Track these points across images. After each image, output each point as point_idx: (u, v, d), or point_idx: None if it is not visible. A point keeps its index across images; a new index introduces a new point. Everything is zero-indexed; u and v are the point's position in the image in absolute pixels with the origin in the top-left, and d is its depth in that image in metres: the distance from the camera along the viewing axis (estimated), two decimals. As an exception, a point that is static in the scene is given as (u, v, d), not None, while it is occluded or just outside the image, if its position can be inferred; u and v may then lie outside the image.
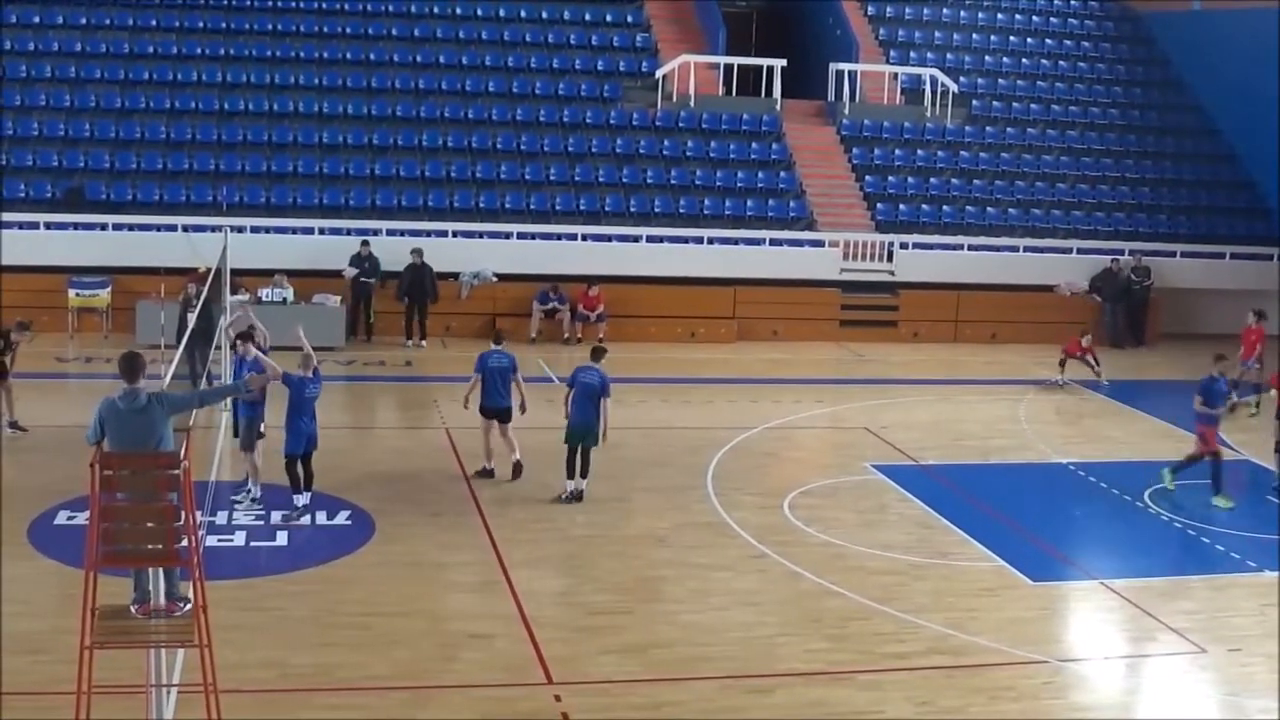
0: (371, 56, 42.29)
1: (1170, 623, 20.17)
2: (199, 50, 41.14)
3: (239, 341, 23.43)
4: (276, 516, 22.26)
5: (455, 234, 37.29)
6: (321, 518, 22.44)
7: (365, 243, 35.57)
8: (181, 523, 13.07)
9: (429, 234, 36.84)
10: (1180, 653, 19.28)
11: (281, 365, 22.48)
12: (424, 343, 35.60)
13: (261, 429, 23.21)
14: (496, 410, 24.99)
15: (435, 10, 44.42)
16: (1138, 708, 18.16)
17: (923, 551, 22.55)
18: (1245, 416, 30.91)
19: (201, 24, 42.04)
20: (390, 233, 36.57)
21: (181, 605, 13.79)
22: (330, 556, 20.83)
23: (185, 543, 13.18)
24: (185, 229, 35.18)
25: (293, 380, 22.25)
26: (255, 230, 35.50)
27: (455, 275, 36.53)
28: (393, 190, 38.46)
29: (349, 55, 42.14)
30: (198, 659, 13.31)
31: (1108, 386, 34.62)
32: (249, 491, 22.85)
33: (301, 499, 22.42)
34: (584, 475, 24.38)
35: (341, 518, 22.54)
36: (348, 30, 42.91)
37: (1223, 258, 42.36)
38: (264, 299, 33.28)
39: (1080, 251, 41.25)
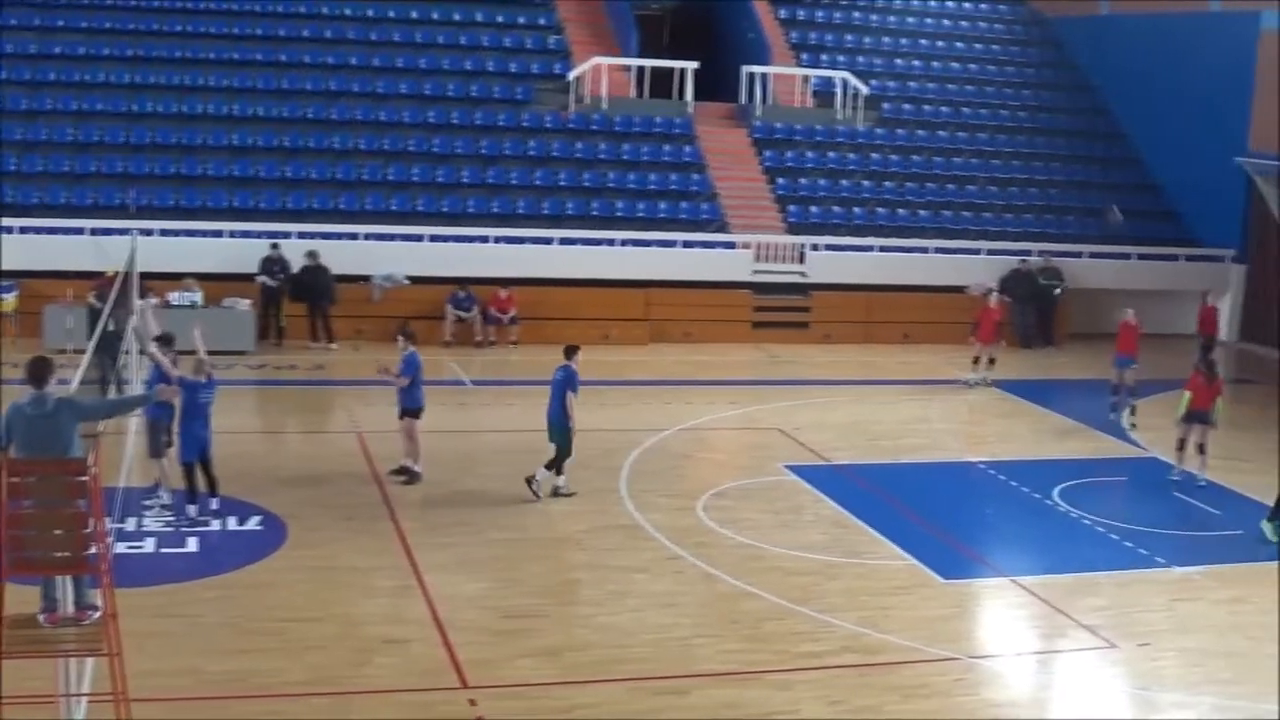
0: (283, 58, 41.97)
1: (1080, 619, 20.34)
2: (106, 51, 40.64)
3: (157, 345, 23.14)
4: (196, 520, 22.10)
5: (367, 236, 37.07)
6: (233, 523, 22.22)
7: (275, 245, 35.28)
8: (90, 530, 12.92)
9: (340, 236, 36.60)
10: (1091, 648, 19.47)
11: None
12: (334, 345, 35.34)
13: (167, 436, 22.94)
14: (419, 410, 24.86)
15: (347, 12, 44.12)
16: (1050, 703, 18.30)
17: (836, 551, 22.60)
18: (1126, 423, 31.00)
19: (109, 25, 41.51)
20: (301, 235, 36.26)
21: (91, 613, 13.63)
22: (243, 562, 20.65)
23: (94, 550, 13.02)
24: (93, 232, 34.78)
25: (186, 384, 22.00)
26: (164, 234, 35.09)
27: (367, 278, 36.27)
28: (304, 193, 38.21)
29: (260, 57, 41.79)
30: (108, 667, 13.16)
31: (985, 382, 35.06)
32: (159, 497, 22.62)
33: (213, 502, 22.23)
34: (556, 473, 24.57)
35: (253, 523, 22.32)
36: (259, 32, 42.58)
37: (1129, 258, 42.70)
38: (173, 303, 32.96)
39: (990, 253, 41.46)
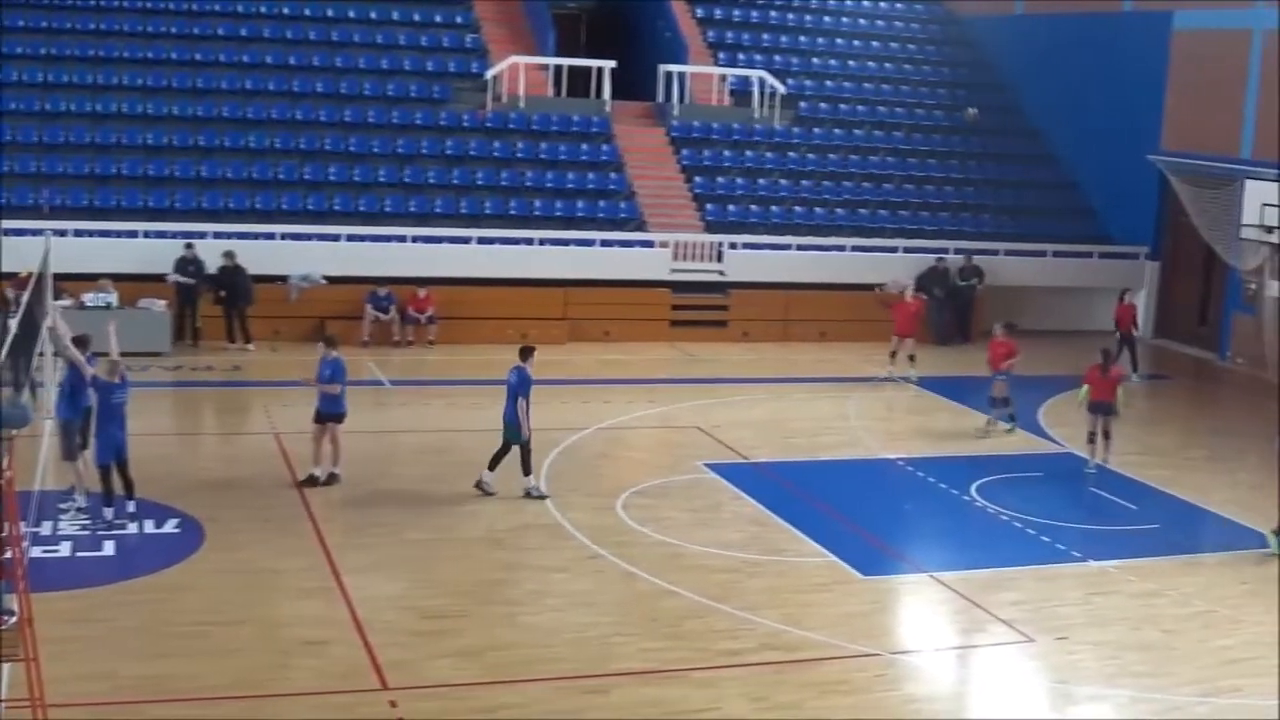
0: (198, 57, 41.62)
1: (998, 613, 20.50)
2: (19, 50, 40.20)
3: (73, 346, 22.93)
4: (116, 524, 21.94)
5: (283, 236, 36.81)
6: (150, 526, 22.05)
7: (190, 246, 34.97)
8: (4, 534, 12.82)
9: (256, 236, 36.35)
10: (1009, 643, 19.63)
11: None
12: (251, 346, 35.10)
13: (81, 438, 22.74)
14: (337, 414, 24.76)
15: (262, 10, 43.86)
16: (969, 697, 18.47)
17: (756, 549, 22.68)
18: (1002, 433, 31.19)
19: (21, 22, 41.05)
20: (217, 235, 35.96)
21: (7, 618, 13.52)
22: (160, 565, 20.51)
23: (8, 554, 12.92)
24: (5, 233, 34.38)
25: (100, 386, 21.86)
26: (78, 234, 34.74)
27: (283, 278, 36.04)
28: (219, 192, 37.92)
29: (174, 55, 41.43)
30: (25, 673, 13.06)
31: (910, 380, 35.33)
32: (74, 501, 22.44)
33: (130, 505, 22.07)
34: (525, 472, 24.57)
35: (170, 525, 22.16)
36: (173, 30, 42.22)
37: (1044, 255, 42.99)
38: (87, 304, 32.70)
39: (907, 251, 41.63)
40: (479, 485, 24.62)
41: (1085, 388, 28.49)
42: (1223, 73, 40.28)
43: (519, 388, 24.56)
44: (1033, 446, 30.19)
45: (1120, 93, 43.80)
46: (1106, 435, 28.44)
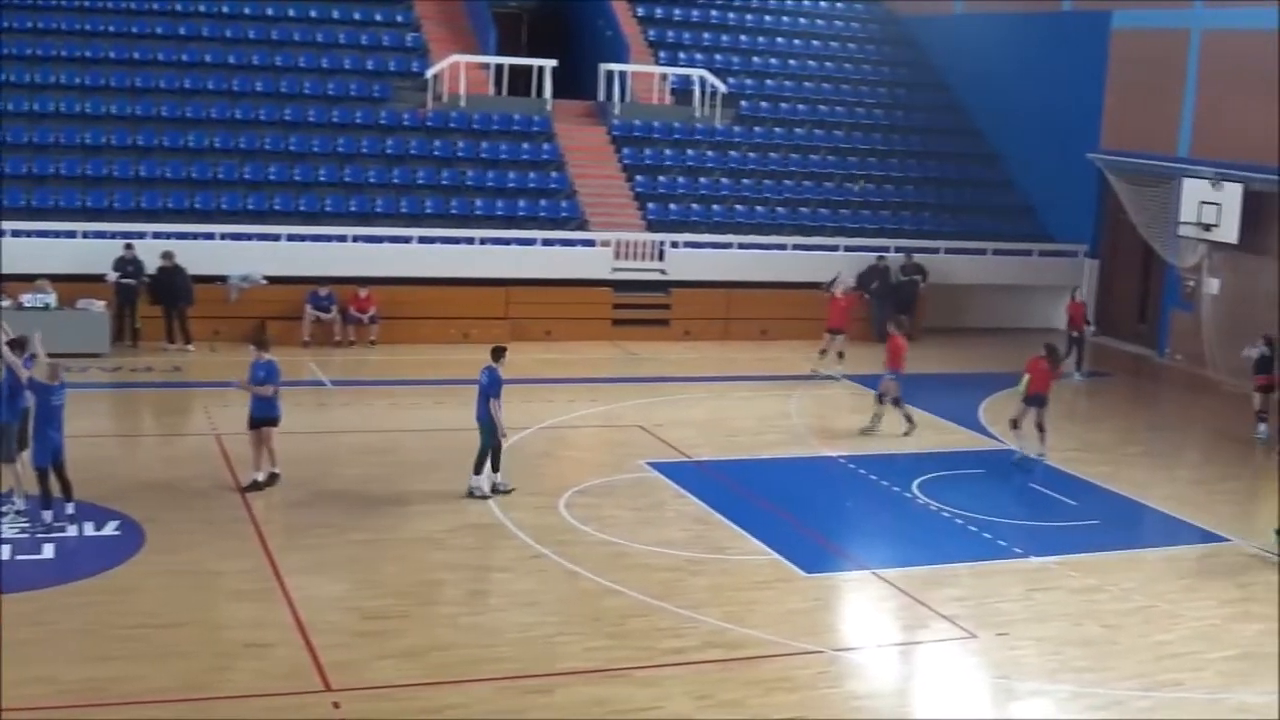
0: (136, 55, 41.37)
1: (940, 609, 20.61)
2: (-46, 50, 40.07)
3: (8, 348, 22.76)
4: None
5: (223, 236, 36.63)
6: (90, 528, 21.92)
7: (129, 246, 34.74)
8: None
9: (196, 236, 36.17)
10: (951, 638, 19.75)
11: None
12: (191, 346, 34.93)
13: (18, 440, 22.58)
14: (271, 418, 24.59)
15: (201, 9, 43.63)
16: (912, 694, 18.54)
17: (699, 547, 22.73)
18: (901, 434, 31.22)
19: (-45, 22, 40.92)
20: (156, 235, 35.75)
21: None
22: (101, 568, 20.39)
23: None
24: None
25: (37, 388, 21.73)
26: (16, 234, 34.51)
27: (223, 278, 35.89)
28: (158, 192, 37.69)
29: (113, 54, 41.16)
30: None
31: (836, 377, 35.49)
32: (13, 504, 22.29)
33: (68, 507, 21.93)
34: (493, 469, 24.74)
35: (110, 528, 22.02)
36: (111, 28, 41.96)
37: (984, 254, 43.19)
38: (26, 305, 32.52)
39: (847, 249, 41.75)
40: (471, 492, 24.64)
41: (1026, 377, 28.74)
42: (1161, 72, 40.53)
43: (489, 388, 24.66)
44: (973, 443, 30.38)
45: (1059, 92, 44.03)
46: (1041, 429, 28.77)
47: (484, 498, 24.52)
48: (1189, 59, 39.70)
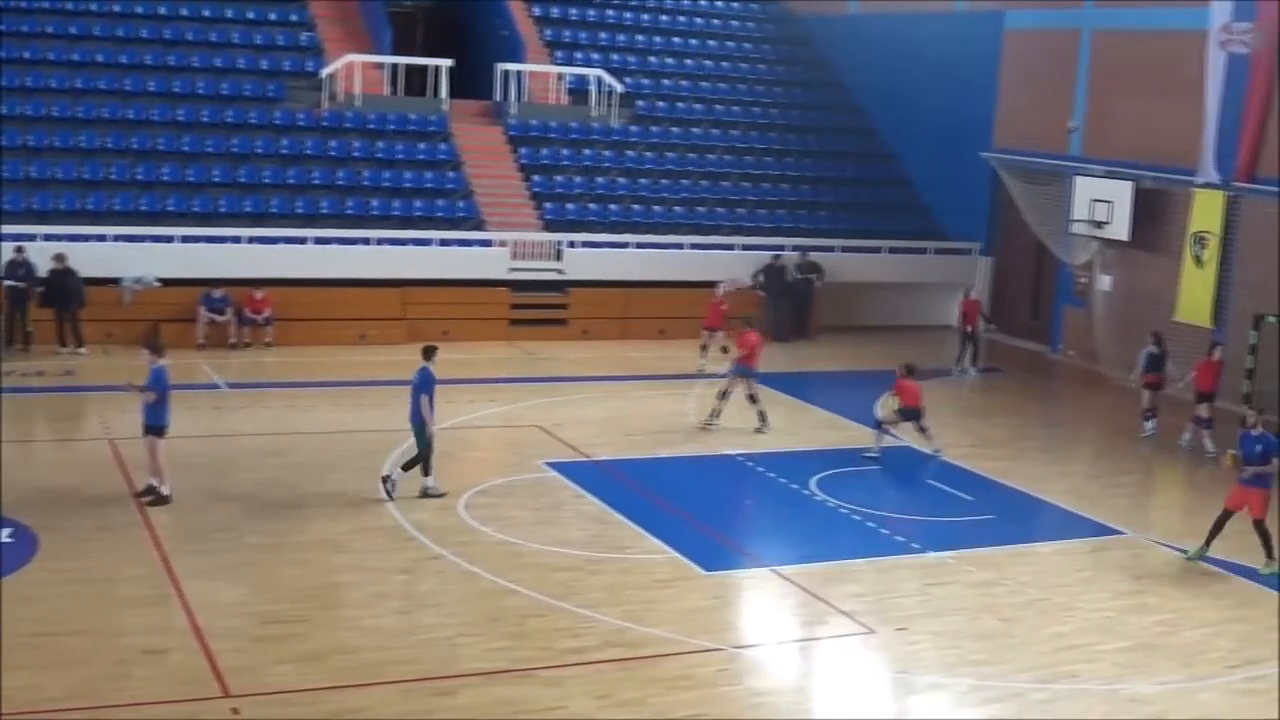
0: (26, 55, 40.81)
1: (839, 605, 20.75)
2: None
3: None
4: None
5: (116, 238, 36.24)
6: (-18, 535, 21.76)
7: (20, 249, 34.29)
8: None
9: (89, 238, 35.77)
10: (850, 634, 19.88)
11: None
12: (83, 350, 34.53)
13: None
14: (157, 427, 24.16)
15: (93, 8, 43.17)
16: (812, 690, 18.64)
17: (598, 546, 22.76)
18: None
19: None
20: (48, 238, 35.32)
21: None
22: (-6, 575, 20.21)
23: None
24: None
25: None
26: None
27: (116, 281, 35.54)
28: (50, 194, 37.24)
29: (2, 54, 40.64)
30: None
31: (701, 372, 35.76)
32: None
33: None
34: (424, 473, 24.74)
35: (4, 535, 21.71)
36: (1, 28, 41.50)
37: (880, 252, 43.46)
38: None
39: (744, 248, 41.92)
40: (424, 492, 24.66)
41: (895, 398, 29.07)
42: (1053, 71, 40.98)
43: (422, 387, 24.66)
44: (871, 440, 30.51)
45: (953, 91, 44.41)
46: (923, 430, 29.25)
47: (440, 495, 24.66)
48: (1080, 59, 40.15)
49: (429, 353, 25.28)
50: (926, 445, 29.34)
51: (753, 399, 30.81)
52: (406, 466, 24.85)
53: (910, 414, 29.16)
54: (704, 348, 36.07)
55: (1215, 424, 30.65)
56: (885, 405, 30.02)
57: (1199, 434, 30.68)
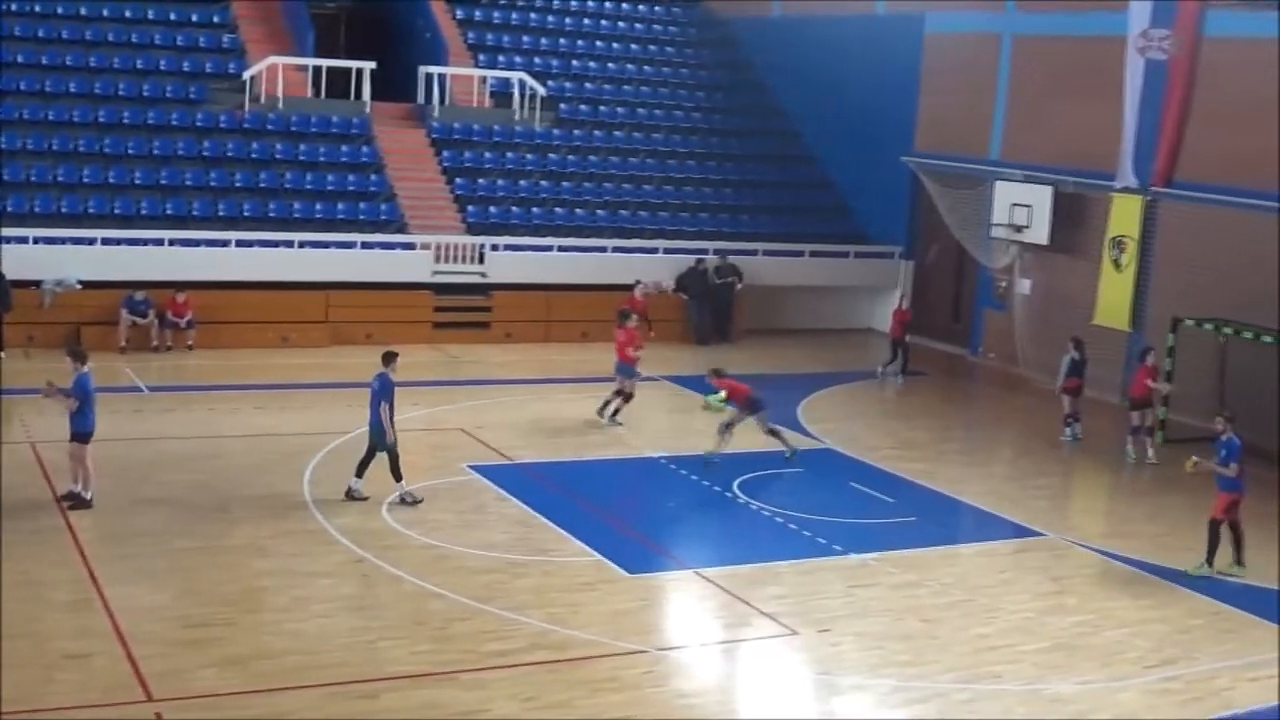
0: (-58, 57, 40.72)
1: (762, 607, 20.84)
2: None
3: None
4: None
5: (36, 240, 35.94)
6: (-98, 541, 21.55)
7: (-60, 252, 34.23)
8: None
9: (8, 240, 35.34)
10: (773, 636, 19.98)
11: None
12: (2, 353, 34.23)
13: None
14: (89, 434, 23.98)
15: (13, 8, 42.81)
16: (736, 690, 18.75)
17: (522, 549, 22.79)
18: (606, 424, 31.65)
19: None
20: (-32, 240, 35.20)
21: None
22: (-86, 579, 20.03)
23: None
24: None
25: None
26: None
27: (37, 283, 35.28)
28: (-33, 196, 37.10)
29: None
30: None
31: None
32: None
33: None
34: (395, 478, 24.76)
35: (-76, 537, 21.67)
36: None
37: (802, 255, 43.64)
38: None
39: (667, 251, 42.04)
40: (349, 493, 24.70)
41: (723, 394, 29.08)
42: (973, 76, 41.26)
43: (382, 393, 24.72)
44: (793, 444, 30.64)
45: (875, 94, 44.67)
46: (773, 433, 29.12)
47: (363, 499, 24.62)
48: (1000, 63, 40.43)
49: (389, 359, 25.28)
50: (784, 447, 29.24)
51: (619, 393, 31.37)
52: (359, 471, 24.90)
53: (754, 405, 28.94)
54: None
55: (1153, 430, 30.90)
56: (711, 407, 29.82)
57: (1140, 442, 30.79)
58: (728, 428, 28.82)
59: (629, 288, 38.60)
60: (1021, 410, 35.08)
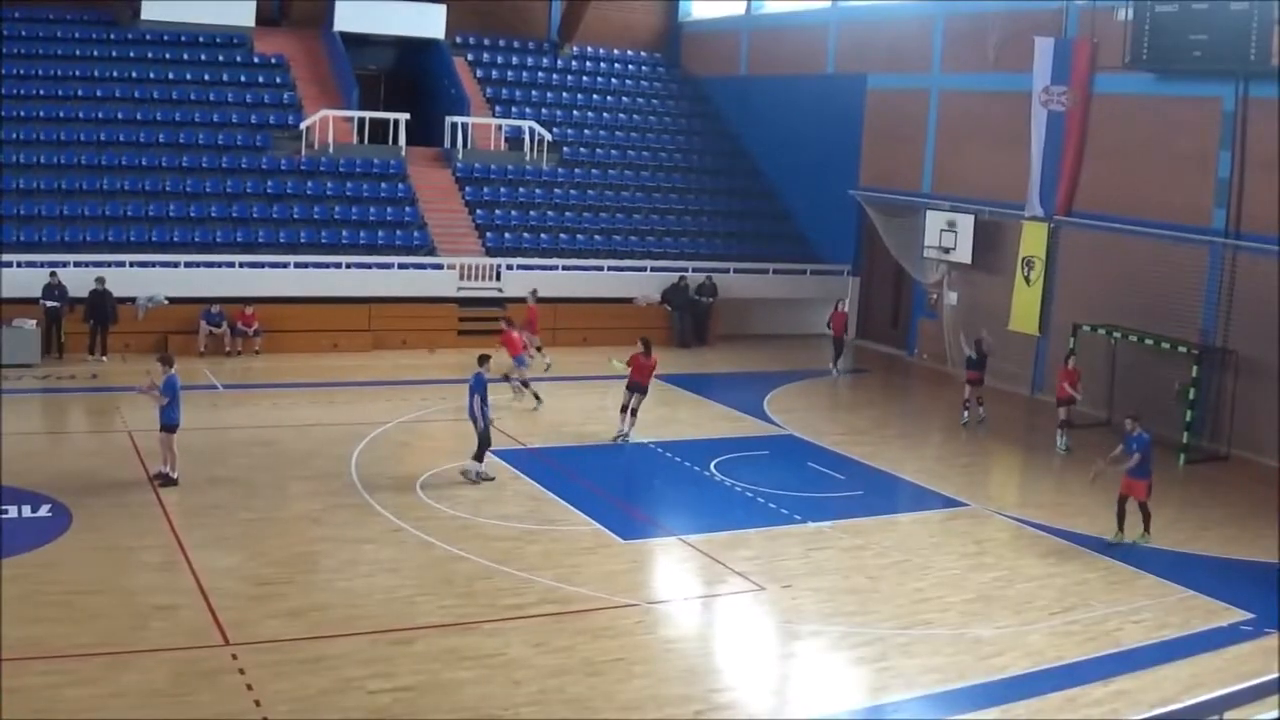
0: (61, 114, 40.26)
1: (735, 567, 20.89)
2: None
3: None
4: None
5: (132, 264, 36.01)
6: (26, 511, 21.57)
7: (54, 273, 34.16)
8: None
9: (110, 264, 35.48)
10: (744, 591, 20.03)
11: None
12: (105, 358, 34.32)
13: None
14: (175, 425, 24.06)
15: (114, 74, 42.66)
16: (714, 637, 18.83)
17: (533, 520, 22.84)
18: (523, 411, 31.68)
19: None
20: (77, 264, 35.06)
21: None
22: (36, 544, 20.04)
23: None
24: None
25: None
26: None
27: (133, 299, 35.38)
28: (79, 228, 36.89)
29: (42, 114, 39.99)
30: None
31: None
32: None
33: None
34: (478, 460, 24.97)
35: (44, 510, 21.66)
36: (41, 92, 40.58)
37: (766, 273, 43.69)
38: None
39: (654, 270, 42.04)
40: (476, 477, 24.83)
41: (624, 364, 29.20)
42: (907, 124, 41.29)
43: (476, 389, 24.84)
44: (760, 430, 30.70)
45: (826, 139, 44.70)
46: (634, 413, 29.03)
47: (490, 479, 24.86)
48: (929, 113, 40.50)
49: (482, 360, 25.44)
50: (627, 423, 29.15)
51: (507, 377, 31.81)
52: (479, 456, 25.06)
53: (638, 388, 28.92)
54: (540, 348, 36.26)
55: (1072, 424, 30.88)
56: (617, 370, 29.94)
57: (1061, 435, 30.64)
58: (625, 409, 28.94)
59: (623, 300, 38.61)
60: (947, 402, 35.05)
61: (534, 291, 37.43)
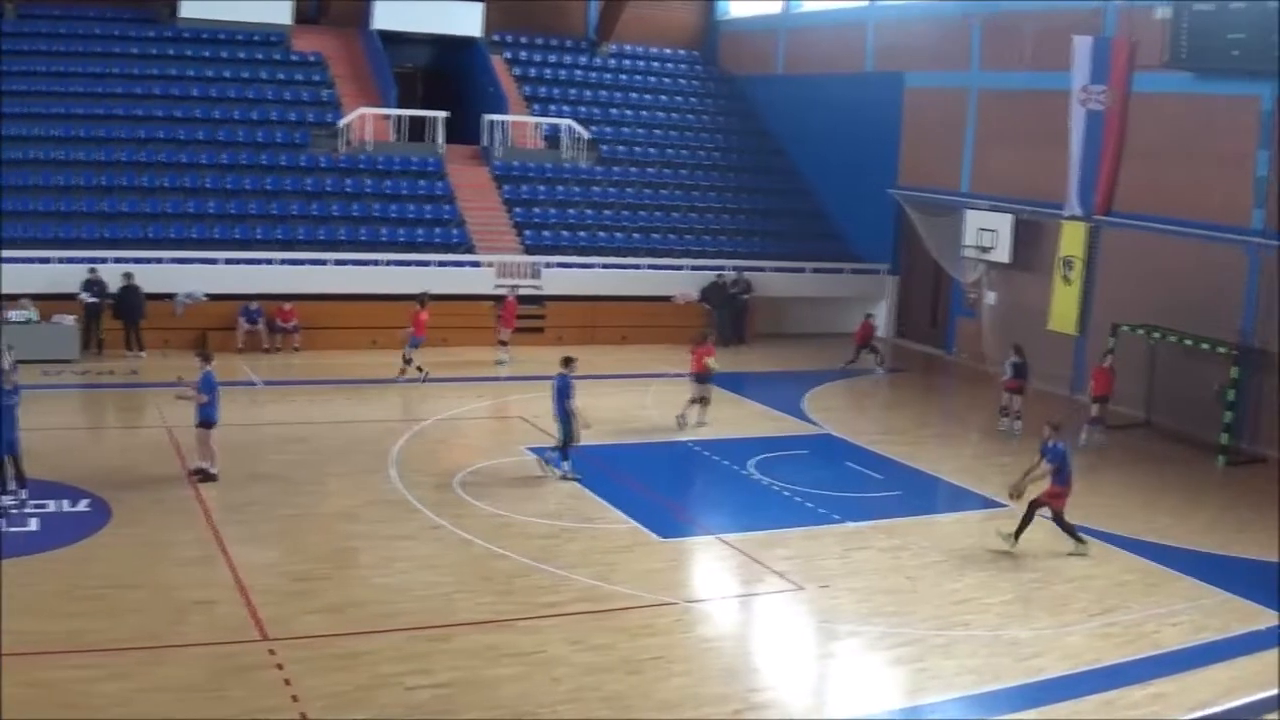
0: (100, 111, 40.42)
1: (773, 567, 20.80)
2: None
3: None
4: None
5: (171, 261, 36.10)
6: (66, 505, 21.66)
7: (93, 270, 34.32)
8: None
9: (149, 261, 35.63)
10: (782, 590, 19.93)
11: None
12: (144, 353, 34.43)
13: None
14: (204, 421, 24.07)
15: (154, 71, 42.82)
16: (752, 636, 18.75)
17: (572, 518, 22.79)
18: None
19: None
20: (117, 261, 35.16)
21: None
22: (75, 538, 20.13)
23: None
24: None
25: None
26: (6, 261, 33.84)
27: (172, 296, 35.49)
28: (118, 225, 37.06)
29: (80, 111, 40.14)
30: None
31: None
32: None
33: (23, 494, 21.53)
34: (561, 455, 25.30)
35: (83, 505, 21.75)
36: (80, 89, 40.96)
37: (803, 272, 43.58)
38: (12, 319, 32.06)
39: (692, 268, 42.00)
40: (563, 475, 25.03)
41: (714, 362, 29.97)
42: (946, 123, 41.11)
43: (563, 390, 25.10)
44: (798, 429, 30.59)
45: (863, 138, 44.52)
46: (706, 401, 29.73)
47: (576, 479, 24.95)
48: (968, 112, 40.31)
49: (567, 362, 25.60)
50: (692, 417, 29.91)
51: (407, 360, 32.84)
52: (562, 451, 25.27)
53: (700, 378, 29.83)
54: (504, 343, 36.70)
55: (1106, 421, 30.69)
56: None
57: (1091, 431, 30.43)
58: (696, 401, 29.32)
59: (662, 299, 38.57)
60: (987, 401, 34.83)
61: (515, 287, 37.84)
